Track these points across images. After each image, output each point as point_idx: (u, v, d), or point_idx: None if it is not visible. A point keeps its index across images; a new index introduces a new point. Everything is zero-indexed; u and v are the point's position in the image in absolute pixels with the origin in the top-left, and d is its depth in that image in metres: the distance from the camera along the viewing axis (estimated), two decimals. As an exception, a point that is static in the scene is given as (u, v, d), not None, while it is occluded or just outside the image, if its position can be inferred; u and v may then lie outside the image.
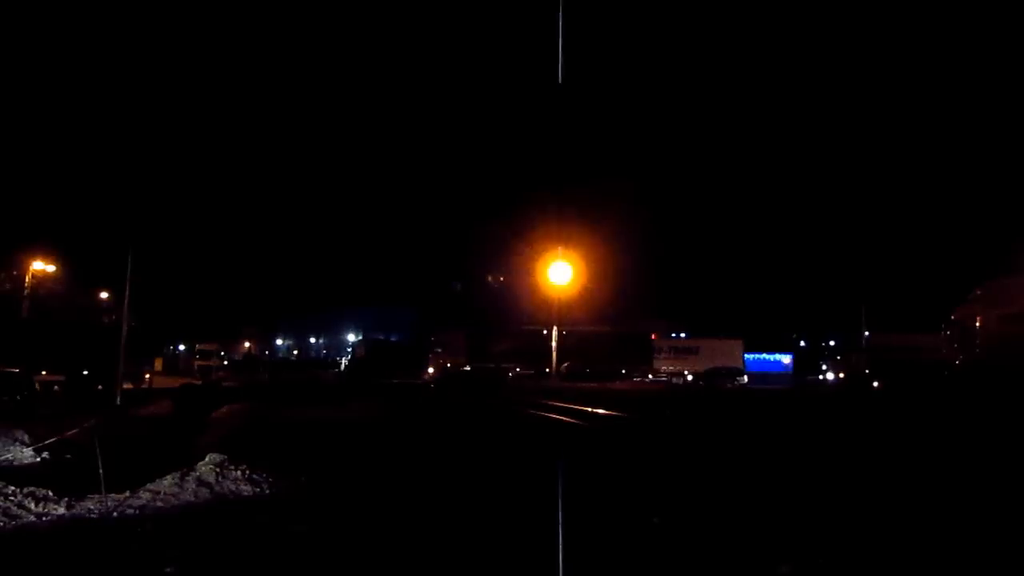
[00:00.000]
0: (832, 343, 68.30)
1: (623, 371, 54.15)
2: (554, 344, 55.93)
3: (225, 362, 65.60)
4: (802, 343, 72.09)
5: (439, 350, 56.34)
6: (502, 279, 64.67)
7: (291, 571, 6.42)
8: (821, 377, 53.82)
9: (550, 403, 24.06)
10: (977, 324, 27.69)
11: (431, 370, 52.01)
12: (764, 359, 60.64)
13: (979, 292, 28.34)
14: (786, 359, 60.37)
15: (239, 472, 10.18)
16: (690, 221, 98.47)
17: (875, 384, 41.24)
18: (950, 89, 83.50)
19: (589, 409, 21.38)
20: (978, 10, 67.34)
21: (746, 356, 57.14)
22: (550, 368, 55.04)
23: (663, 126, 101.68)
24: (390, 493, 9.41)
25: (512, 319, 60.96)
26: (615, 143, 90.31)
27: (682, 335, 62.68)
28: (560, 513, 6.18)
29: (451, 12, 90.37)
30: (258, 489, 9.64)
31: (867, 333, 53.62)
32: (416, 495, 9.25)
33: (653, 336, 59.37)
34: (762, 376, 55.42)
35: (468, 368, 50.03)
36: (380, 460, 12.23)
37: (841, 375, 49.43)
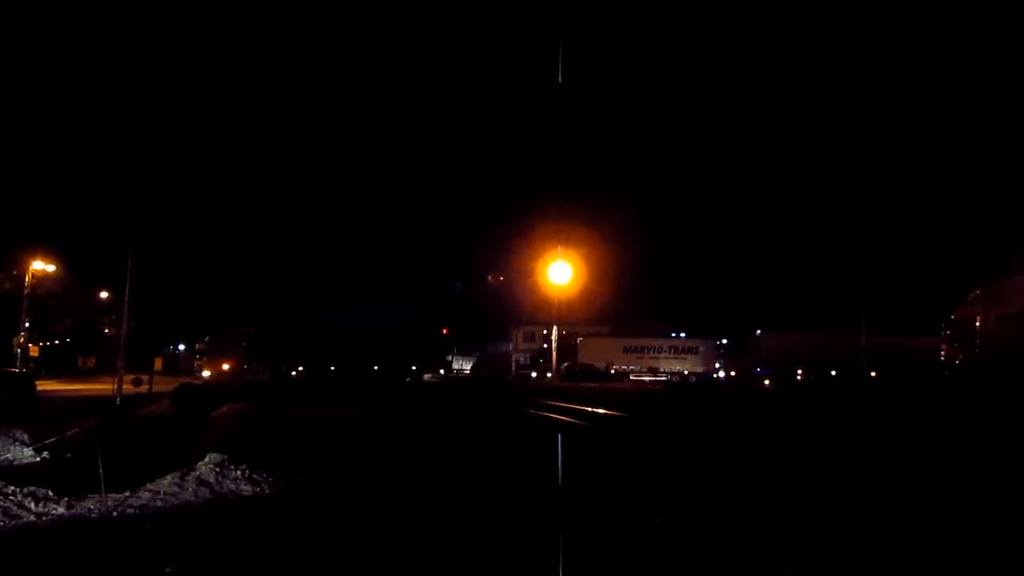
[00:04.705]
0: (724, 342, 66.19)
1: (413, 368, 50.17)
2: (554, 344, 55.92)
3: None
4: None
5: (214, 351, 49.93)
6: (502, 279, 64.50)
7: (291, 571, 6.44)
8: (715, 376, 54.34)
9: (549, 402, 24.06)
10: (976, 324, 27.74)
11: (206, 373, 45.79)
12: None
13: (979, 292, 28.39)
14: None
15: (239, 472, 10.19)
16: (690, 221, 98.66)
17: (766, 383, 42.15)
18: (950, 89, 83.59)
19: (589, 408, 21.37)
20: (978, 10, 67.38)
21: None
22: (516, 369, 54.27)
23: (662, 126, 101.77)
24: (390, 492, 9.41)
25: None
26: (615, 143, 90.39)
27: (682, 335, 62.60)
28: (560, 512, 6.19)
29: (451, 12, 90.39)
30: (258, 489, 9.65)
31: (759, 332, 52.80)
32: (415, 494, 9.24)
33: (444, 331, 55.15)
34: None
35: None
36: (379, 459, 12.23)
37: (732, 373, 50.43)
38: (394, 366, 48.51)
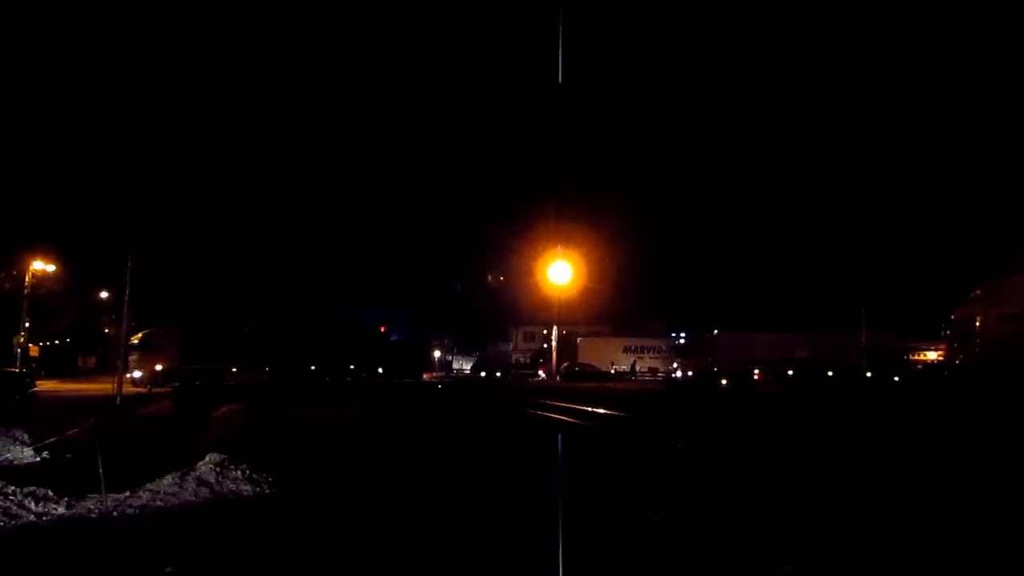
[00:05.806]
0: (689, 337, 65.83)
1: (351, 367, 48.65)
2: (554, 344, 55.99)
3: None
4: None
5: (148, 349, 45.91)
6: (502, 279, 64.50)
7: (292, 571, 6.43)
8: (672, 375, 54.70)
9: (549, 402, 24.07)
10: (977, 324, 27.64)
11: (137, 374, 43.13)
12: None
13: (979, 292, 28.27)
14: None
15: (239, 472, 10.18)
16: (690, 221, 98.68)
17: (723, 381, 42.27)
18: (949, 89, 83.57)
19: (589, 408, 21.38)
20: (978, 10, 67.36)
21: None
22: (546, 367, 54.68)
23: (662, 127, 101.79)
24: (391, 492, 9.41)
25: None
26: (615, 143, 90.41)
27: (683, 335, 62.67)
28: (559, 512, 6.18)
29: (451, 12, 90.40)
30: (258, 489, 9.64)
31: (715, 331, 52.57)
32: (416, 494, 9.24)
33: (382, 328, 52.89)
34: None
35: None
36: (380, 459, 12.23)
37: (690, 372, 50.66)
38: (331, 366, 47.91)
